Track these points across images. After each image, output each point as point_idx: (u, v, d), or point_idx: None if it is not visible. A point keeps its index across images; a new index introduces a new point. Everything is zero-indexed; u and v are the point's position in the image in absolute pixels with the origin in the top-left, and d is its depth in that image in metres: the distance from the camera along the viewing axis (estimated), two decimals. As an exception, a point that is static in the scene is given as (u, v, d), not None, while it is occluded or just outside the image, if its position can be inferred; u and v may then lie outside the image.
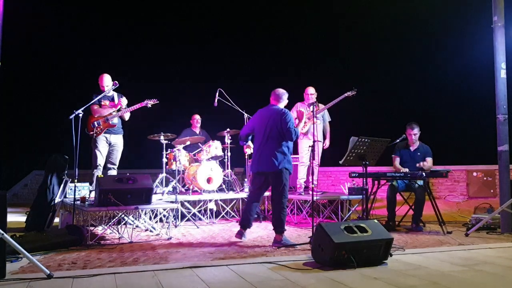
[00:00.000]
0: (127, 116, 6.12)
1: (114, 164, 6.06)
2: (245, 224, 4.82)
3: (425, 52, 12.44)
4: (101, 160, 5.93)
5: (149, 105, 6.09)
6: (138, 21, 11.97)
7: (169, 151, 6.80)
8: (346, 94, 6.20)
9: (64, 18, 11.25)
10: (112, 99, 6.07)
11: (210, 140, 7.04)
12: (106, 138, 5.98)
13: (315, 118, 6.50)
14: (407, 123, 5.98)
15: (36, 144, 10.92)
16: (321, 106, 6.57)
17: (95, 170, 5.89)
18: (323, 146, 6.69)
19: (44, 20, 10.78)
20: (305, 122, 6.61)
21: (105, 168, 6.02)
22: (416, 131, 5.91)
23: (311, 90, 6.67)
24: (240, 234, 4.80)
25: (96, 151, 5.91)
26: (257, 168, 4.79)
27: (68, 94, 10.49)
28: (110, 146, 6.02)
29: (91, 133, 5.88)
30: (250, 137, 5.17)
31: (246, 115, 7.01)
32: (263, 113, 4.85)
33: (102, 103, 5.97)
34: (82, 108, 5.14)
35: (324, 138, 6.77)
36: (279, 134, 4.66)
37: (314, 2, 12.47)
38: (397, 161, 5.96)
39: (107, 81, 5.95)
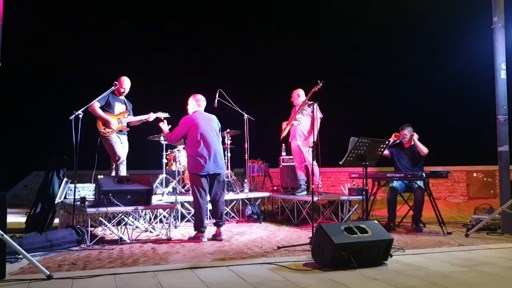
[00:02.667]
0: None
1: (123, 158, 6.06)
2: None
3: (425, 52, 12.45)
4: (122, 155, 5.91)
5: (162, 118, 6.14)
6: (137, 22, 11.97)
7: (169, 152, 6.80)
8: (313, 90, 6.24)
9: (65, 19, 11.25)
10: (124, 102, 6.11)
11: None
12: (118, 137, 5.99)
13: (293, 120, 6.58)
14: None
15: (36, 145, 10.91)
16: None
17: (119, 165, 5.86)
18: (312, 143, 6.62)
19: (45, 21, 10.80)
20: (287, 125, 6.69)
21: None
22: (405, 132, 5.92)
23: (293, 92, 6.79)
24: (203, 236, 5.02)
25: (116, 146, 5.87)
26: (214, 168, 5.11)
27: (68, 94, 10.49)
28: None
29: (103, 131, 5.84)
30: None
31: (246, 115, 7.01)
32: (205, 117, 5.29)
33: (116, 106, 5.97)
34: (82, 109, 5.15)
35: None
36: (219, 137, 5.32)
37: (314, 2, 12.47)
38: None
39: (126, 84, 6.05)
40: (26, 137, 11.17)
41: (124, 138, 6.10)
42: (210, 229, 5.25)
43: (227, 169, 7.16)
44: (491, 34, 5.60)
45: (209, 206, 5.85)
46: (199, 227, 5.04)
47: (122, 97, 6.11)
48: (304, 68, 12.04)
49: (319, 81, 6.11)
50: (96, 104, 5.70)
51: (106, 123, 5.83)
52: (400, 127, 6.02)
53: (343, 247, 3.51)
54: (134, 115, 6.19)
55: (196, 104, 5.36)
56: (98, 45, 11.21)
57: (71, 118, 5.02)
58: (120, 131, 5.99)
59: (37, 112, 11.26)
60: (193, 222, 5.33)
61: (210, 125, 5.24)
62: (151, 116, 6.12)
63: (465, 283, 3.16)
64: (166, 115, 6.20)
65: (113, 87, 5.77)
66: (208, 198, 5.33)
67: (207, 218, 6.49)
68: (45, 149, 9.66)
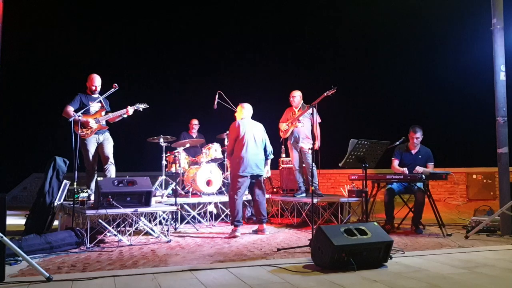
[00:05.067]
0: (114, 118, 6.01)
1: (109, 157, 5.85)
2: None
3: (425, 53, 12.47)
4: (94, 163, 5.81)
5: (141, 109, 5.99)
6: (137, 22, 11.97)
7: (168, 154, 6.80)
8: (325, 94, 6.10)
9: (64, 19, 11.26)
10: (99, 101, 5.86)
11: (209, 143, 7.01)
12: (96, 138, 5.80)
13: (297, 122, 6.51)
14: (410, 126, 5.87)
15: (36, 147, 10.91)
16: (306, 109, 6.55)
17: (92, 175, 5.77)
18: (313, 147, 6.61)
19: (44, 22, 10.80)
20: (288, 126, 6.64)
21: (104, 165, 5.85)
22: (418, 135, 5.82)
23: (293, 93, 6.70)
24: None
25: (88, 154, 5.73)
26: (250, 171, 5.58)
27: (67, 96, 10.47)
28: (99, 143, 5.83)
29: (81, 134, 5.65)
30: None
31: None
32: (247, 124, 5.70)
33: (91, 105, 5.73)
34: (82, 111, 5.14)
35: (314, 139, 6.70)
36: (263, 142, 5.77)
37: (314, 3, 12.48)
38: (395, 163, 5.92)
39: (97, 81, 5.83)
40: (25, 138, 11.17)
41: (106, 135, 5.86)
42: (211, 231, 5.25)
43: (227, 171, 7.14)
44: (490, 36, 5.60)
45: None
46: (232, 221, 5.58)
47: (96, 95, 5.84)
48: (304, 68, 12.05)
49: (333, 86, 6.00)
50: (69, 109, 5.52)
51: (84, 125, 5.62)
52: (411, 128, 5.84)
53: (343, 249, 3.51)
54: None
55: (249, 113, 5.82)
56: (98, 45, 11.21)
57: (70, 120, 5.01)
58: (99, 130, 5.79)
59: (37, 112, 11.25)
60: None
61: (253, 131, 5.64)
62: (129, 110, 5.88)
63: (464, 285, 3.16)
64: (144, 105, 5.99)
65: (112, 89, 5.72)
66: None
67: (208, 219, 6.53)
68: (45, 150, 9.65)
